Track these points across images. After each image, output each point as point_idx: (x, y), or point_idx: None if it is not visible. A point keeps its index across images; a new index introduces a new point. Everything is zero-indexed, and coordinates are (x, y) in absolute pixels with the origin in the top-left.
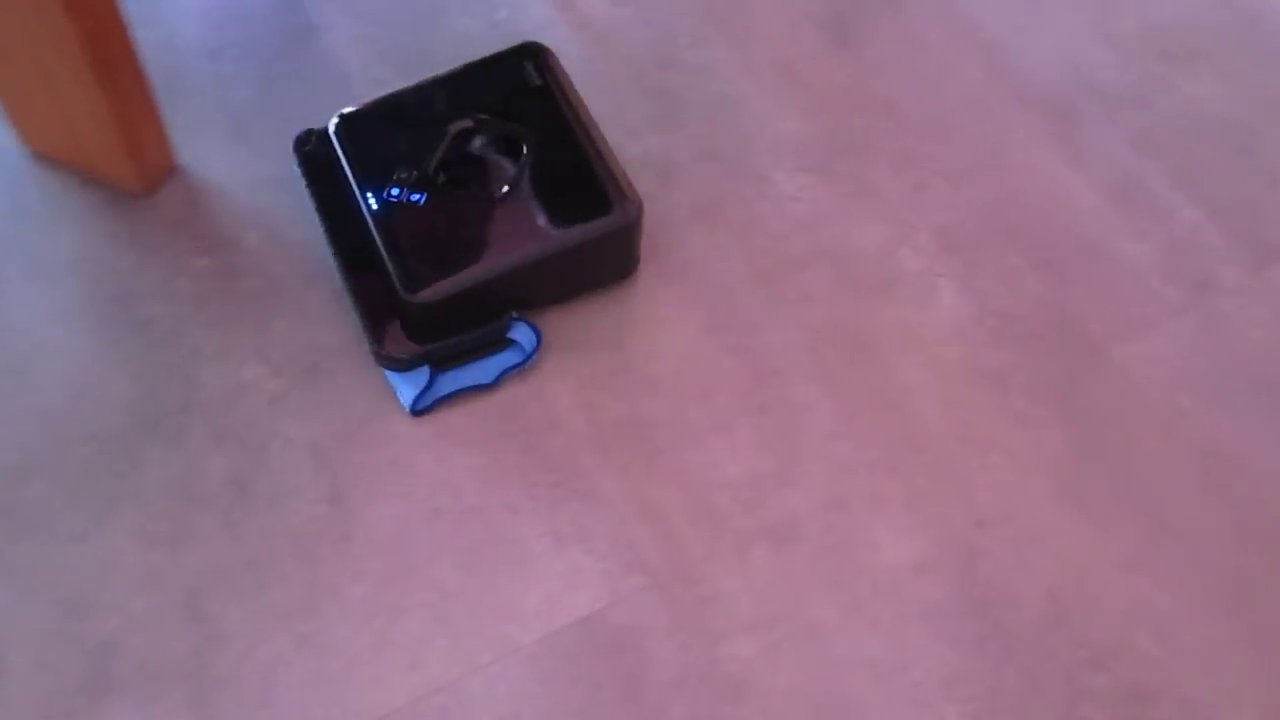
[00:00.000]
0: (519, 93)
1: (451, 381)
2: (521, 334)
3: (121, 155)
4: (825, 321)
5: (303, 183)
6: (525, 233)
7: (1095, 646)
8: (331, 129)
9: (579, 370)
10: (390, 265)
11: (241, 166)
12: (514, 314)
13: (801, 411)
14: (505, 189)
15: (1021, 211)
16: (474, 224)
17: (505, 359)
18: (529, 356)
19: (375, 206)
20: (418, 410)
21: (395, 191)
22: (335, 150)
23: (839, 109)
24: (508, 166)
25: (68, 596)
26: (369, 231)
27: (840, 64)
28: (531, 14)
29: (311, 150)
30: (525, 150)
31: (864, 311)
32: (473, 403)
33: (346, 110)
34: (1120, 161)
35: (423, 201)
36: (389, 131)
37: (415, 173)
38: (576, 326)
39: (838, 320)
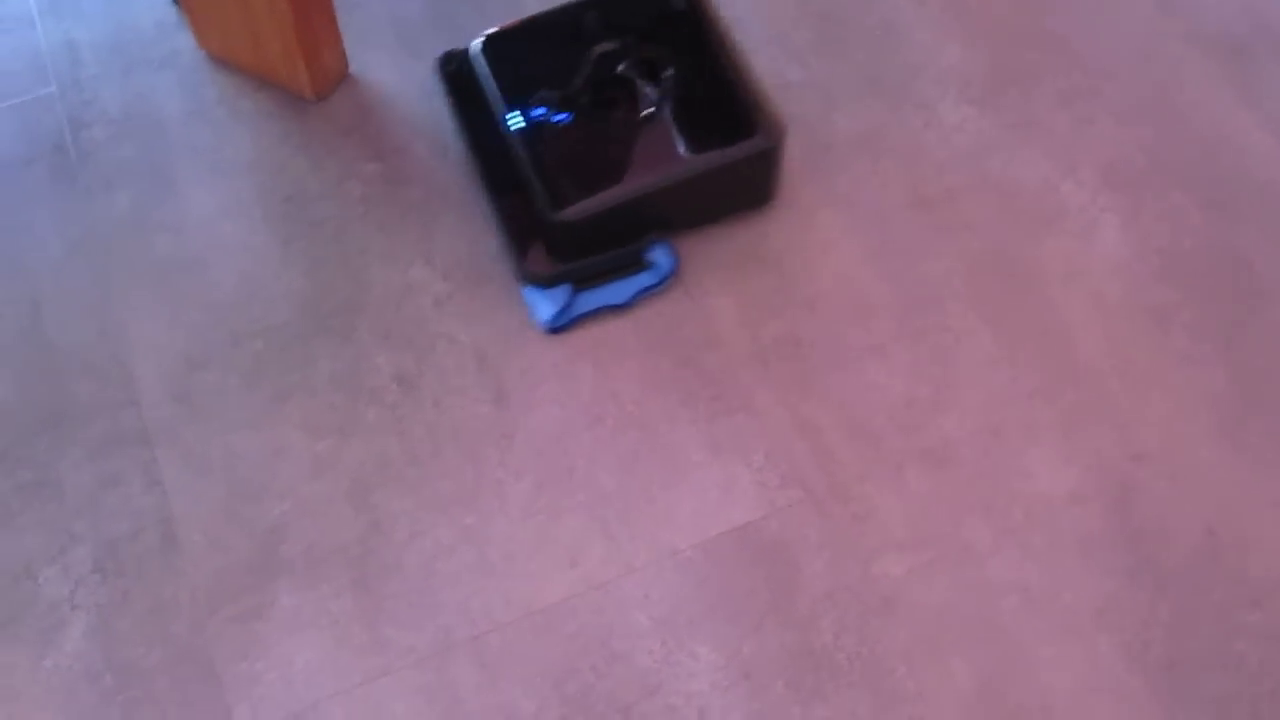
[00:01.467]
0: (663, 16)
1: (588, 300)
2: (659, 255)
3: (299, 60)
4: (985, 251)
5: (447, 103)
6: (668, 155)
7: (1251, 584)
8: (476, 49)
9: (739, 288)
10: (536, 184)
11: (411, 77)
12: (653, 236)
13: (959, 338)
14: (648, 111)
15: (1189, 151)
16: (618, 145)
17: (641, 280)
18: (664, 278)
19: (521, 124)
20: (555, 328)
21: (540, 111)
22: (479, 71)
23: (1005, 41)
24: (651, 89)
25: (240, 480)
26: (513, 150)
27: None
28: None
29: (454, 71)
30: (669, 73)
31: (1025, 243)
32: (634, 316)
33: (491, 31)
34: None
35: (567, 121)
36: (533, 53)
37: (560, 93)
38: (737, 246)
39: (998, 251)
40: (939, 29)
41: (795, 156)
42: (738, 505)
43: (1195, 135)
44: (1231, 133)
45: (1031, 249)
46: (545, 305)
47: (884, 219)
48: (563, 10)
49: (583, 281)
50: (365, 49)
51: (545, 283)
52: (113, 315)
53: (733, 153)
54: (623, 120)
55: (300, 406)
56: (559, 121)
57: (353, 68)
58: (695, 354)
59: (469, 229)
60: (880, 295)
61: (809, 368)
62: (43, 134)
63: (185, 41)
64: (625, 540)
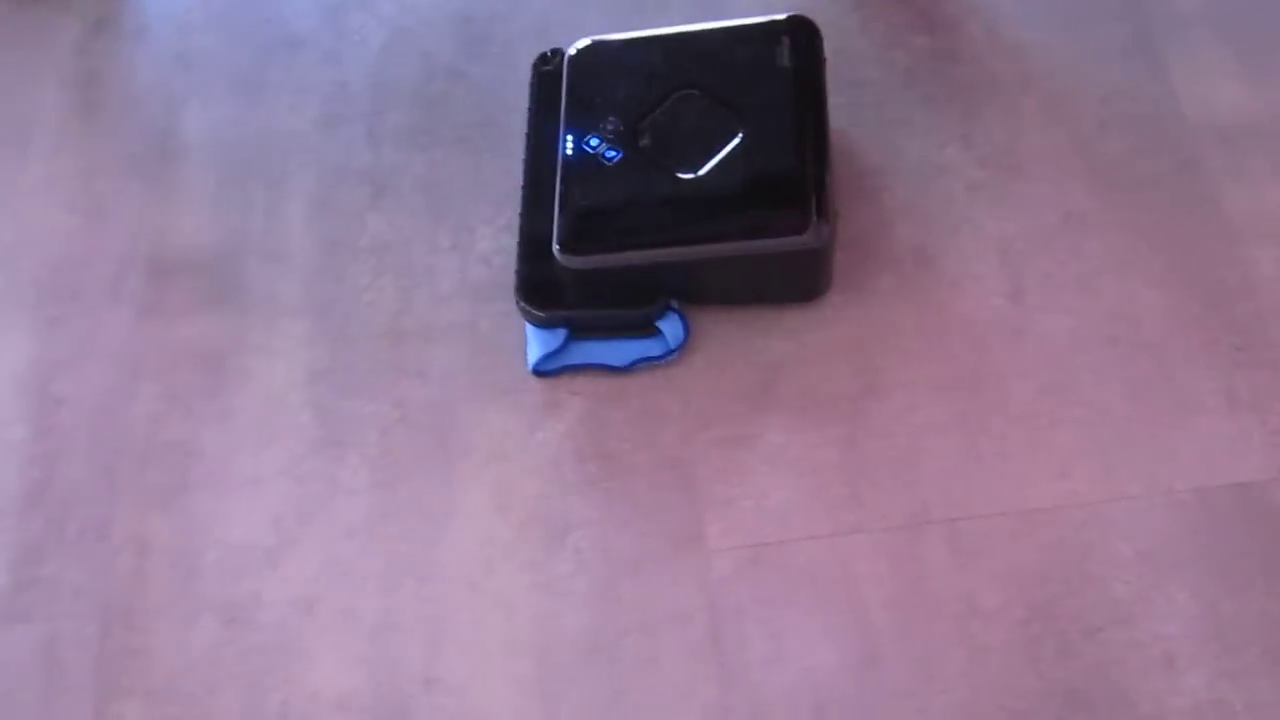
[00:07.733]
0: (763, 70)
1: (581, 353)
2: (670, 326)
3: None
4: None
5: (530, 103)
6: (702, 225)
7: None
8: (570, 55)
9: None
10: (557, 216)
11: None
12: (672, 304)
13: None
14: (698, 173)
15: None
16: (656, 199)
17: (645, 347)
18: (669, 352)
19: (569, 151)
20: (539, 371)
21: (594, 141)
22: (565, 79)
23: None
24: (714, 147)
25: (746, 313)
26: (557, 175)
27: None
28: None
29: (548, 72)
30: (738, 136)
31: None
32: (1164, 245)
33: (593, 39)
34: None
35: (615, 160)
36: (619, 75)
37: (621, 127)
38: None
39: None
40: None
41: None
42: (1244, 462)
43: None
44: None
45: None
46: (535, 345)
47: None
48: (665, 38)
49: (582, 330)
50: None
51: (539, 322)
52: None
53: (765, 244)
54: (670, 174)
55: None
56: (608, 158)
57: None
58: (1226, 299)
59: (1015, 121)
60: None
61: None
62: None
63: None
64: (1120, 465)
